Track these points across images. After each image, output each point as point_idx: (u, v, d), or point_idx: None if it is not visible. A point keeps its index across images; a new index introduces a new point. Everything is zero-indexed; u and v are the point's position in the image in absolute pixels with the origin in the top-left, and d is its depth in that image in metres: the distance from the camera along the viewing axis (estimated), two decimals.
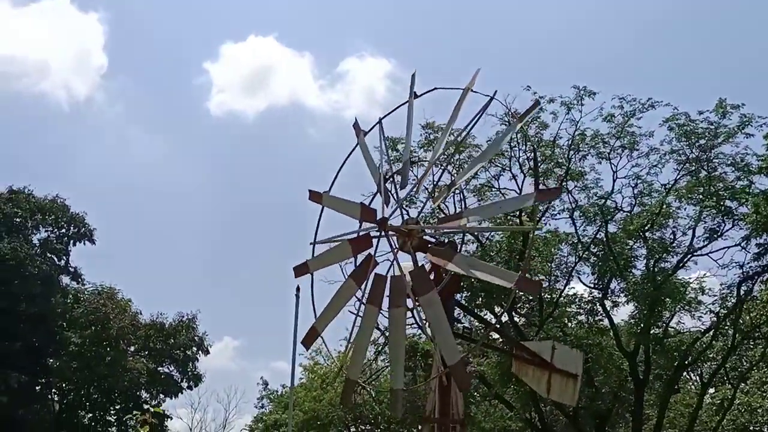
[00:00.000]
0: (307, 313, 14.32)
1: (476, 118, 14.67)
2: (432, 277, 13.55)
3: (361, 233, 13.88)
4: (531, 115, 17.55)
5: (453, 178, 16.83)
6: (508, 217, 28.27)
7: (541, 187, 27.29)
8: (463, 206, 16.23)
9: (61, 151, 79.79)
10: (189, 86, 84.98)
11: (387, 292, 13.34)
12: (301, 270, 14.35)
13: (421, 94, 15.09)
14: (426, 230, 14.21)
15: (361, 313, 13.48)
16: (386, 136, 27.60)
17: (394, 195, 14.60)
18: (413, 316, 12.78)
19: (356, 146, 14.99)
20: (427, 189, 19.63)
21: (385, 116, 15.07)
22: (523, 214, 27.59)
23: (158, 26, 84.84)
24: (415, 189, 16.07)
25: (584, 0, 73.21)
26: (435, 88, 14.58)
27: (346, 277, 13.89)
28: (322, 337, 14.26)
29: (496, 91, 13.88)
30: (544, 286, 30.33)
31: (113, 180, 76.32)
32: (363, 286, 13.54)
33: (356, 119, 15.34)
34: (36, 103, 76.95)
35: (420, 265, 13.26)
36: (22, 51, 74.43)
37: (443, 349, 12.26)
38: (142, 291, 78.43)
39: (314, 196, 14.86)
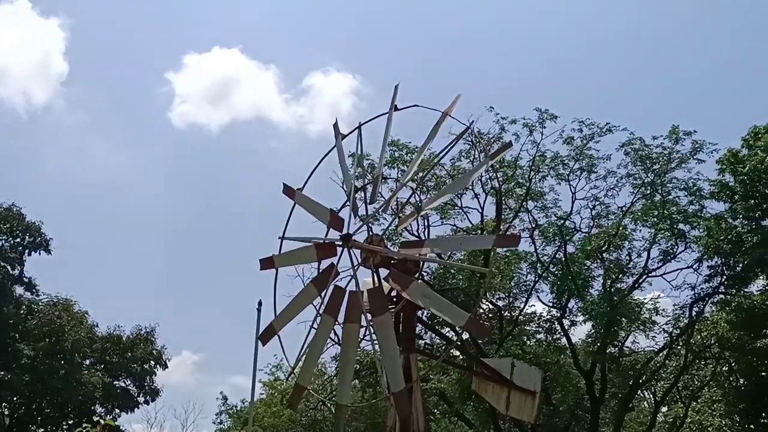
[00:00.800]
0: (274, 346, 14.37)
1: (449, 147, 15.00)
2: (393, 294, 13.79)
3: (327, 241, 14.03)
4: (502, 154, 17.92)
5: (419, 203, 17.05)
6: (470, 234, 28.67)
7: (501, 218, 27.83)
8: (426, 233, 16.48)
9: (17, 159, 78.08)
10: (151, 96, 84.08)
11: (344, 305, 13.52)
12: (267, 263, 14.44)
13: (402, 108, 15.27)
14: (388, 253, 14.42)
15: (316, 324, 13.61)
16: (350, 152, 27.89)
17: (363, 208, 14.77)
18: (368, 334, 12.90)
19: (333, 147, 15.13)
20: (393, 209, 19.87)
21: (365, 123, 15.02)
22: (484, 230, 28.02)
23: (121, 34, 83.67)
24: (382, 208, 16.30)
25: (547, 21, 74.45)
26: (415, 105, 14.74)
27: (306, 282, 14.01)
28: (279, 337, 14.26)
29: (473, 122, 14.25)
30: (503, 304, 30.79)
31: (71, 189, 74.93)
32: (323, 294, 13.69)
33: (336, 119, 15.45)
34: None
35: (378, 285, 13.46)
36: None
37: (389, 374, 12.46)
38: (100, 303, 76.84)
39: (288, 190, 14.95)
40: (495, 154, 16.60)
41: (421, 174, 25.51)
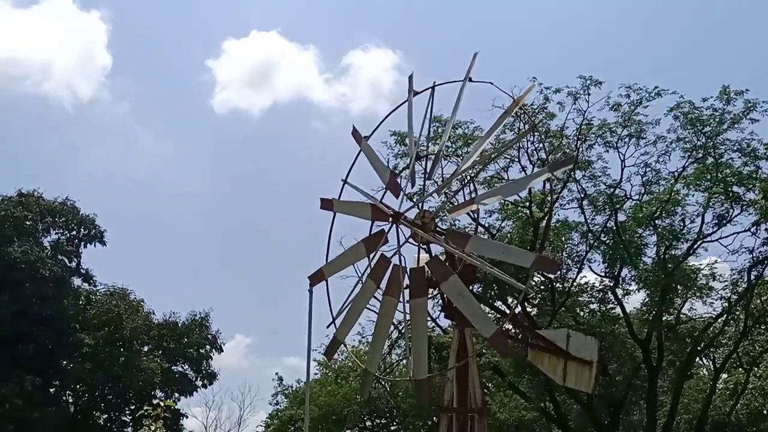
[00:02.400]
0: (321, 308, 14.57)
1: (499, 126, 14.77)
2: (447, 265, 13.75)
3: (374, 233, 14.10)
4: (527, 93, 17.70)
5: (473, 192, 16.98)
6: (518, 206, 28.39)
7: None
8: (474, 191, 16.45)
9: (67, 153, 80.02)
10: (192, 84, 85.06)
11: (405, 283, 13.56)
12: (316, 278, 14.55)
13: (420, 92, 15.24)
14: (439, 217, 14.44)
15: (377, 310, 13.68)
16: (394, 130, 27.76)
17: (404, 192, 14.78)
18: (442, 300, 13.03)
19: (359, 153, 15.17)
20: (436, 182, 19.76)
21: (387, 116, 15.52)
22: (533, 206, 27.69)
23: (160, 24, 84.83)
24: (423, 181, 16.25)
25: None
26: (434, 85, 14.77)
27: (363, 277, 14.09)
28: (344, 344, 14.50)
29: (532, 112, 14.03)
30: (554, 275, 30.42)
31: (120, 180, 76.42)
32: (371, 257, 13.75)
33: (354, 127, 15.47)
34: (40, 104, 77.12)
35: (420, 266, 13.46)
36: (24, 52, 74.48)
37: (477, 323, 12.44)
38: (154, 291, 78.73)
39: (325, 203, 15.05)
40: (556, 166, 16.26)
41: (460, 144, 25.32)
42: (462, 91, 14.78)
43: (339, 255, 14.67)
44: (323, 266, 14.63)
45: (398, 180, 15.11)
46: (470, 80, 14.79)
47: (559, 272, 28.24)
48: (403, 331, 28.85)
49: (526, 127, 27.22)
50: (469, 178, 17.55)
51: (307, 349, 15.17)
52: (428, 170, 15.10)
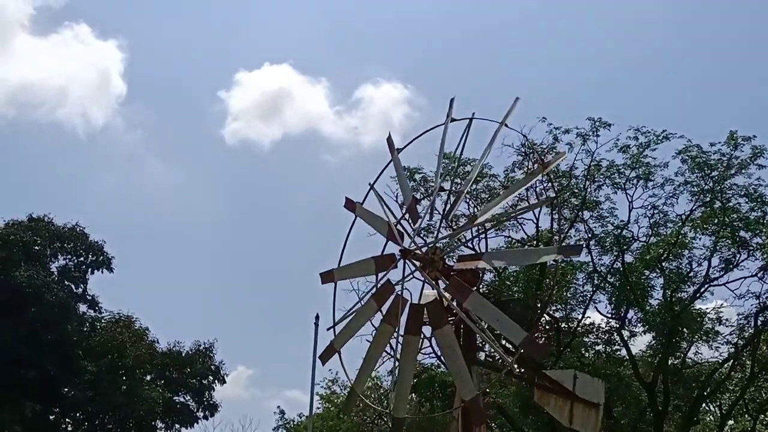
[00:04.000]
0: (324, 342, 14.55)
1: (462, 141, 14.78)
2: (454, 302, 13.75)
3: (380, 283, 14.12)
4: (556, 163, 17.67)
5: (474, 214, 17.06)
6: (525, 245, 28.45)
7: (559, 226, 27.50)
8: (482, 246, 16.47)
9: (78, 179, 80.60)
10: (204, 114, 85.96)
11: (405, 315, 13.55)
12: (327, 277, 14.68)
13: (401, 149, 15.37)
14: (445, 243, 14.49)
15: (399, 353, 13.65)
16: (403, 166, 28.03)
17: (407, 233, 14.81)
18: (430, 346, 12.98)
19: (390, 162, 15.25)
20: (448, 222, 19.88)
21: (374, 181, 14.96)
22: (540, 244, 27.76)
23: (175, 53, 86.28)
24: (426, 217, 16.30)
25: (601, 37, 73.66)
26: (473, 117, 14.73)
27: (366, 296, 14.11)
28: (339, 354, 14.42)
29: (474, 113, 14.20)
30: (560, 315, 30.35)
31: (129, 207, 76.91)
32: (382, 309, 13.75)
33: (389, 134, 15.60)
34: (54, 130, 77.91)
35: (435, 299, 13.47)
36: (40, 79, 75.58)
37: (458, 383, 12.42)
38: (159, 319, 78.40)
39: (349, 203, 15.14)
40: (549, 164, 16.45)
41: (475, 185, 25.50)
42: (446, 132, 14.84)
43: (352, 263, 14.68)
44: (335, 269, 14.68)
45: (400, 228, 15.04)
46: (453, 120, 14.84)
47: (546, 357, 27.86)
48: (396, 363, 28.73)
49: (535, 165, 27.41)
50: (483, 229, 17.62)
51: (311, 381, 15.19)
52: (446, 210, 15.16)
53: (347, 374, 14.30)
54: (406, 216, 14.84)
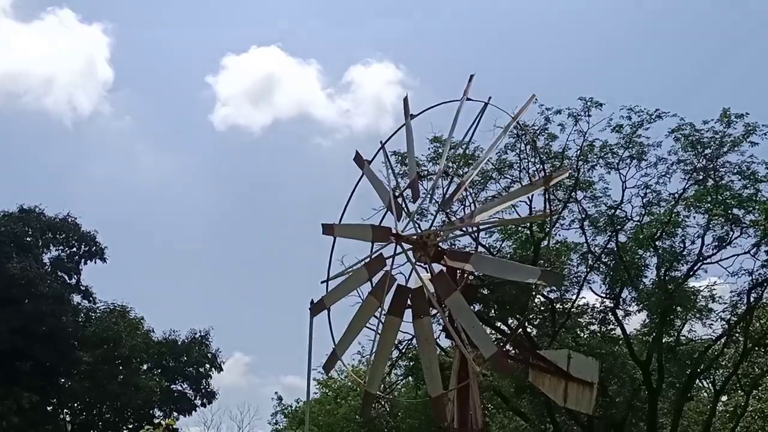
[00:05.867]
0: (321, 327, 14.64)
1: (474, 126, 14.99)
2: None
3: (374, 255, 14.20)
4: (526, 108, 17.67)
5: (472, 203, 17.14)
6: (518, 229, 28.47)
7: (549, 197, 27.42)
8: (473, 206, 16.58)
9: (67, 167, 79.96)
10: (192, 100, 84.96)
11: (408, 304, 13.60)
12: (318, 308, 14.67)
13: (416, 115, 15.51)
14: (440, 233, 14.53)
15: (379, 330, 13.71)
16: (394, 150, 27.93)
17: (406, 209, 14.90)
18: (443, 318, 13.12)
19: (362, 177, 15.37)
20: (437, 202, 19.89)
21: (386, 141, 15.61)
22: (533, 225, 27.77)
23: (161, 38, 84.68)
24: (424, 201, 16.37)
25: (597, 15, 73.17)
26: (431, 107, 15.08)
27: (363, 297, 14.19)
28: (341, 360, 14.54)
29: (490, 98, 14.21)
30: (554, 296, 30.44)
31: (120, 195, 76.28)
32: (383, 302, 13.82)
33: (357, 152, 15.75)
34: (41, 119, 77.23)
35: (419, 287, 13.55)
36: (25, 67, 74.47)
37: (478, 342, 12.46)
38: (154, 308, 78.25)
39: (327, 229, 15.38)
40: (552, 178, 16.34)
41: (459, 162, 25.46)
42: (409, 130, 15.31)
43: (341, 282, 14.74)
44: (324, 296, 14.73)
45: (399, 201, 15.21)
46: (412, 117, 15.29)
47: (560, 289, 28.37)
48: (404, 351, 28.84)
49: (528, 147, 27.39)
50: (470, 197, 17.68)
51: (308, 370, 15.21)
52: (444, 197, 15.28)
53: (332, 332, 14.50)
54: (407, 191, 15.05)
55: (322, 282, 14.75)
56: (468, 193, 17.64)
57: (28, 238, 39.62)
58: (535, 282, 13.61)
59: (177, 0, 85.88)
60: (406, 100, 15.77)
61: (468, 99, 14.77)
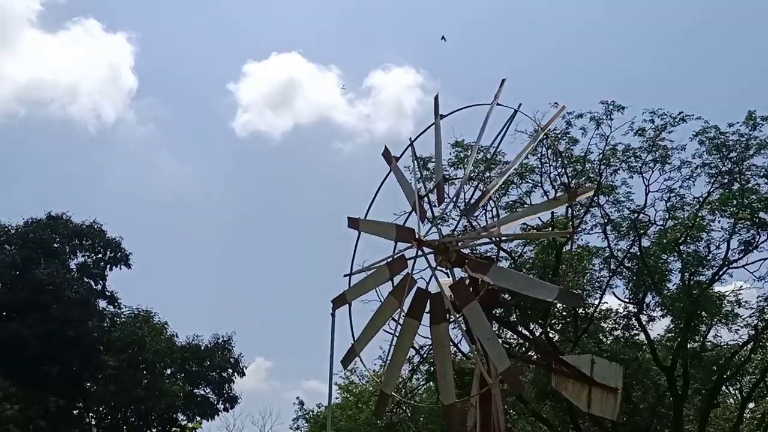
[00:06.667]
0: (343, 329, 14.70)
1: (503, 132, 15.01)
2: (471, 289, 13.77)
3: (396, 255, 14.24)
4: (555, 120, 17.63)
5: (483, 191, 17.05)
6: (540, 231, 28.28)
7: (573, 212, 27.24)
8: (496, 215, 16.54)
9: (91, 175, 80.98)
10: (214, 107, 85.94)
11: (427, 308, 13.61)
12: (339, 302, 14.75)
13: (446, 115, 15.50)
14: (460, 242, 14.51)
15: (397, 332, 13.74)
16: (417, 155, 27.99)
17: (431, 213, 14.94)
18: (459, 326, 13.10)
19: (389, 173, 15.40)
20: (459, 207, 19.86)
21: (415, 138, 15.71)
22: (555, 229, 27.60)
23: (184, 46, 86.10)
24: (448, 207, 16.36)
25: (615, 18, 72.77)
26: (461, 108, 15.01)
27: (383, 297, 14.21)
28: (359, 357, 14.54)
29: (520, 104, 14.18)
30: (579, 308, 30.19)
31: (143, 202, 77.19)
32: (402, 303, 13.85)
33: (386, 147, 15.76)
34: (66, 126, 78.34)
35: (438, 292, 13.55)
36: (51, 75, 75.84)
37: (492, 355, 12.43)
38: (177, 313, 78.89)
39: (352, 222, 15.39)
40: (576, 195, 16.26)
41: (481, 167, 25.45)
42: (438, 130, 15.33)
43: (362, 279, 14.79)
44: (346, 290, 14.76)
45: (424, 203, 15.25)
46: (442, 117, 15.35)
47: (582, 304, 28.08)
48: (425, 355, 28.77)
49: (549, 152, 27.25)
50: (492, 202, 17.64)
51: (329, 373, 15.25)
52: (454, 195, 15.25)
53: (353, 328, 14.55)
54: (432, 194, 15.09)
55: (344, 275, 14.85)
56: (490, 197, 17.61)
57: (55, 245, 40.24)
58: (553, 300, 13.57)
59: (198, 9, 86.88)
60: (436, 99, 15.78)
61: (498, 104, 14.77)
